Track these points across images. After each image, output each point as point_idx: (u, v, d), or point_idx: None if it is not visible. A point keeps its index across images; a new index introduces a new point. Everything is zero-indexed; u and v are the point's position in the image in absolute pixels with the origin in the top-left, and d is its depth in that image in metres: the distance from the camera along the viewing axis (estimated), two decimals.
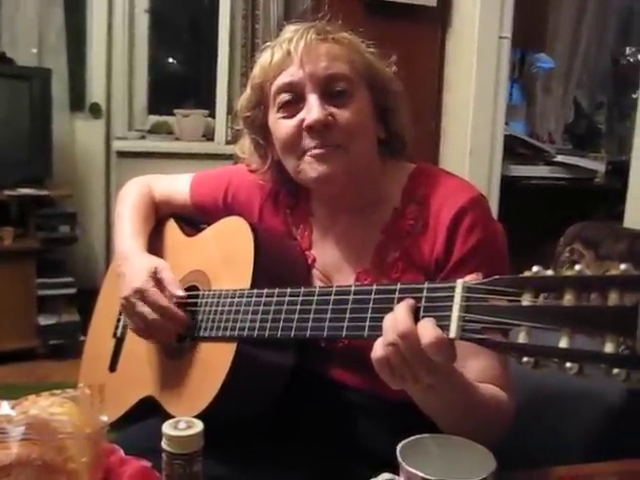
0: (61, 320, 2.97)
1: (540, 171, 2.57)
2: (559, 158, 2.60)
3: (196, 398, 0.97)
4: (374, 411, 0.99)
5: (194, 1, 3.88)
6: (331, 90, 0.97)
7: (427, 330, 0.70)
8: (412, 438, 0.72)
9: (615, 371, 0.57)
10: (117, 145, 3.56)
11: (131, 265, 1.09)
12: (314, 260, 1.07)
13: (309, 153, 0.96)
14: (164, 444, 0.66)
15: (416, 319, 0.71)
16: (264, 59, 1.01)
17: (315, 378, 1.01)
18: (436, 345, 0.68)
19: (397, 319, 0.72)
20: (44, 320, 2.96)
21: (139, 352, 1.15)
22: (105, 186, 3.49)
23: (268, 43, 1.03)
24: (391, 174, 1.05)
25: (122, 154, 3.56)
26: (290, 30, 1.01)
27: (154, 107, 3.79)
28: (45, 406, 0.73)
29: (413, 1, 2.44)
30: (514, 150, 2.57)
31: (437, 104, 2.57)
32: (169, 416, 1.00)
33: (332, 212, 1.07)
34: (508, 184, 2.48)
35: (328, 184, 0.99)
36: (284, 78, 0.98)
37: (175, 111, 3.66)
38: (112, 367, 1.22)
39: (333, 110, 0.96)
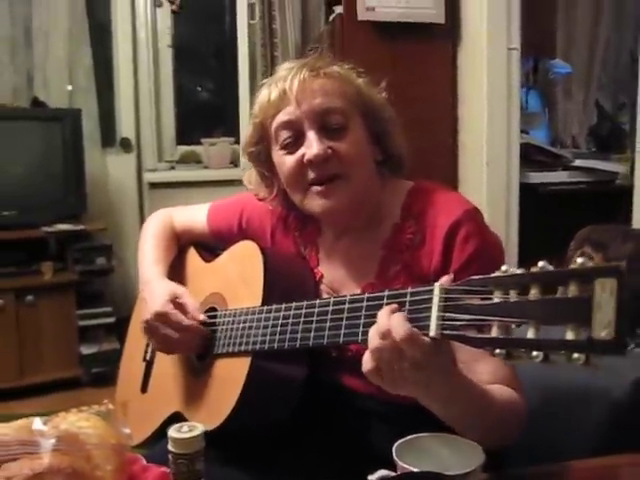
0: (102, 349, 3.08)
1: (559, 176, 2.59)
2: (577, 162, 2.61)
3: (216, 411, 1.04)
4: (386, 416, 1.04)
5: (215, 32, 4.01)
6: (328, 124, 1.03)
7: (399, 326, 0.75)
8: (408, 437, 0.77)
9: (575, 356, 0.61)
10: (148, 177, 3.70)
11: (151, 290, 1.17)
12: (322, 276, 1.13)
13: (313, 189, 1.03)
14: (170, 446, 0.73)
15: None
16: (262, 98, 1.08)
17: (328, 386, 1.07)
18: (408, 339, 0.73)
19: (378, 323, 0.77)
20: (86, 349, 3.08)
21: (167, 373, 1.23)
22: (139, 217, 3.62)
23: (264, 81, 1.10)
24: (391, 192, 1.10)
25: (153, 185, 3.70)
26: (284, 68, 1.08)
27: (182, 138, 3.93)
28: (74, 421, 0.81)
29: (422, 20, 2.50)
30: (531, 158, 2.60)
31: (453, 119, 2.61)
32: None
33: (337, 232, 1.13)
34: (527, 191, 2.50)
35: (332, 215, 1.07)
36: (283, 117, 1.04)
37: (202, 140, 3.78)
38: (143, 388, 1.30)
39: (331, 143, 1.02)
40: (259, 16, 3.49)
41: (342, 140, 1.03)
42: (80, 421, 0.81)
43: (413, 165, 2.38)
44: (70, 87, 3.47)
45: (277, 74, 1.08)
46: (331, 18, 2.74)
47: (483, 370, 0.93)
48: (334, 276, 1.12)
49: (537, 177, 2.54)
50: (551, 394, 1.14)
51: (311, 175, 1.02)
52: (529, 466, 0.97)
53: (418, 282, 0.99)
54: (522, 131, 2.67)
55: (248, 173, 1.18)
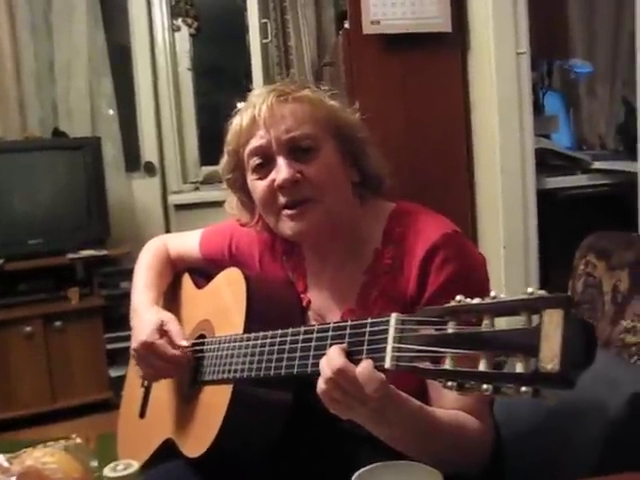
0: None
1: (578, 180, 2.51)
2: (596, 164, 2.54)
3: (201, 438, 1.04)
4: (370, 438, 1.02)
5: (234, 53, 4.04)
6: (297, 148, 1.03)
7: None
8: (367, 468, 0.76)
9: (523, 389, 0.59)
10: (173, 199, 3.76)
11: (140, 318, 1.19)
12: (309, 302, 1.13)
13: (284, 212, 1.03)
14: None
15: (352, 354, 0.77)
16: (234, 125, 1.08)
17: (314, 411, 1.05)
18: (368, 377, 0.74)
19: (330, 358, 0.79)
20: (114, 372, 3.14)
21: (162, 399, 1.25)
22: None
23: (238, 107, 1.10)
24: (372, 215, 1.09)
25: (179, 207, 3.75)
26: (254, 95, 1.08)
27: (206, 158, 3.98)
28: (38, 457, 0.83)
29: (429, 30, 2.47)
30: (549, 162, 2.54)
31: (466, 127, 2.58)
32: (185, 456, 1.09)
33: (320, 257, 1.12)
34: (545, 197, 2.45)
35: (304, 238, 1.07)
36: (254, 143, 1.05)
37: None
38: (142, 414, 1.32)
39: (301, 167, 1.02)
40: (273, 34, 3.51)
41: (312, 163, 1.02)
42: (45, 456, 0.83)
43: (428, 176, 2.37)
44: (92, 116, 3.55)
45: (248, 101, 1.08)
46: (340, 33, 2.74)
47: (447, 397, 0.92)
48: (320, 302, 1.11)
49: (555, 182, 2.47)
50: (546, 408, 1.10)
51: (282, 200, 1.02)
52: None
53: (396, 308, 0.97)
54: (542, 135, 2.62)
55: (229, 200, 1.19)
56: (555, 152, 2.56)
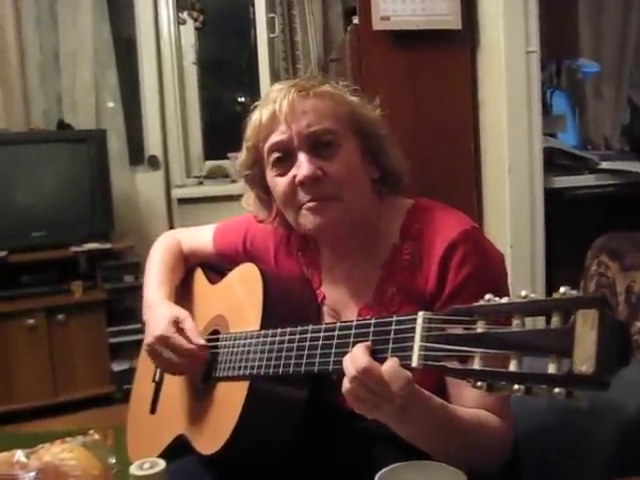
0: (133, 365, 3.11)
1: (585, 180, 2.50)
2: (604, 165, 2.53)
3: (216, 435, 1.03)
4: (389, 436, 1.02)
5: (240, 47, 4.03)
6: (319, 145, 1.02)
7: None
8: (389, 467, 0.75)
9: (556, 390, 0.59)
10: (177, 193, 3.74)
11: (154, 313, 1.17)
12: (324, 297, 1.12)
13: (305, 207, 1.02)
14: None
15: (376, 352, 0.76)
16: (254, 121, 1.07)
17: (331, 409, 1.05)
18: (395, 375, 0.74)
19: (354, 356, 0.78)
20: (117, 366, 3.13)
21: (174, 394, 1.23)
22: None
23: (257, 103, 1.09)
24: (390, 211, 1.08)
25: (182, 201, 3.73)
26: (275, 90, 1.07)
27: (209, 153, 3.96)
28: (56, 453, 0.82)
29: (438, 27, 2.47)
30: (556, 162, 2.53)
31: (474, 125, 2.57)
32: (197, 453, 1.08)
33: (337, 252, 1.12)
34: (553, 197, 2.44)
35: (325, 233, 1.06)
36: (274, 138, 1.03)
37: (229, 155, 3.80)
38: (152, 409, 1.30)
39: (322, 163, 1.01)
40: (280, 29, 3.50)
41: (333, 160, 1.01)
42: (63, 452, 0.82)
43: (435, 173, 2.36)
44: (97, 109, 3.54)
45: (267, 96, 1.07)
46: (349, 29, 2.72)
47: (467, 396, 0.92)
48: (335, 297, 1.11)
49: (562, 182, 2.46)
50: (561, 406, 1.09)
51: (303, 197, 1.02)
52: None
53: (414, 304, 0.98)
54: (549, 135, 2.61)
55: (246, 195, 1.18)
56: (562, 151, 2.55)
